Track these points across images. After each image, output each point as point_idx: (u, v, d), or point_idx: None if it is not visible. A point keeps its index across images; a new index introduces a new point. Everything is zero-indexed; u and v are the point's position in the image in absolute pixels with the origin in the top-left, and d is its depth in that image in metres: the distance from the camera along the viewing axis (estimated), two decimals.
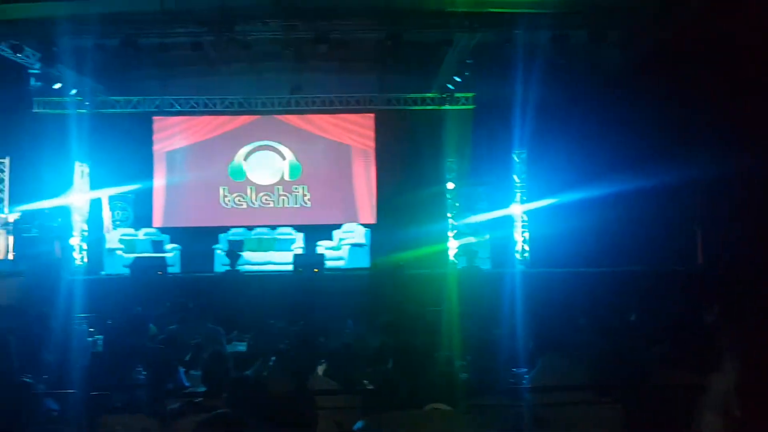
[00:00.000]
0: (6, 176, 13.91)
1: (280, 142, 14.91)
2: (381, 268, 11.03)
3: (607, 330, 5.17)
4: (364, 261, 12.80)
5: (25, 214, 12.84)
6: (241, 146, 14.93)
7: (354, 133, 15.01)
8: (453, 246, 13.43)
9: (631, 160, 11.60)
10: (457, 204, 13.88)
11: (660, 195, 11.41)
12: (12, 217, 12.61)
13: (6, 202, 13.68)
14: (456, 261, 13.09)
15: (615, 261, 11.38)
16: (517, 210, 13.39)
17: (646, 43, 11.38)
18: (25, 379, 4.23)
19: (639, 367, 4.29)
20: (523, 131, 11.88)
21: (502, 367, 4.42)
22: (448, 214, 13.84)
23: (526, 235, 13.33)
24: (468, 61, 12.25)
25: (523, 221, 13.35)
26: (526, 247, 13.27)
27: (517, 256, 13.21)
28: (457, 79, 12.95)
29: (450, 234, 13.59)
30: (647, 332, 5.35)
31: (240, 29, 11.35)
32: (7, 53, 12.11)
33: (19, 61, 12.40)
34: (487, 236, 13.12)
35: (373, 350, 5.42)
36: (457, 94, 13.82)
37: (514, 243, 13.26)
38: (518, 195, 13.44)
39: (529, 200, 13.31)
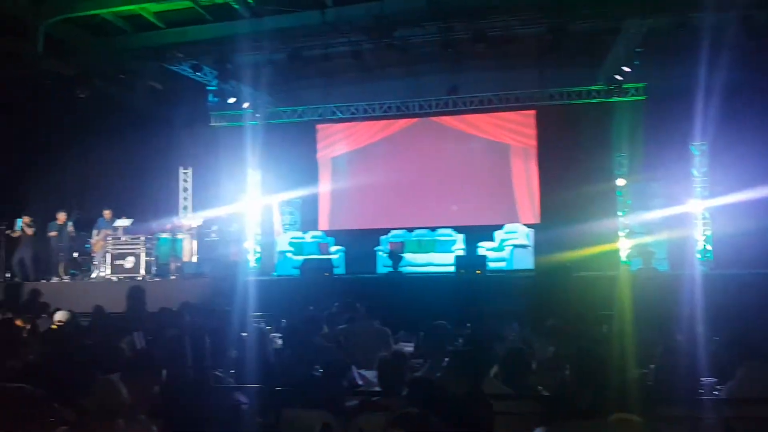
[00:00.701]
0: (189, 185, 15.31)
1: (438, 144, 15.07)
2: (546, 270, 10.73)
3: None
4: (527, 262, 12.54)
5: (206, 220, 14.03)
6: (400, 149, 15.26)
7: (513, 131, 14.80)
8: (625, 246, 12.76)
9: None
10: (629, 201, 13.18)
11: None
12: (195, 223, 13.81)
13: (190, 209, 15.06)
14: (629, 262, 12.41)
15: None
16: (696, 207, 12.44)
17: None
18: (217, 372, 4.64)
19: None
20: (705, 121, 10.95)
21: (688, 376, 4.14)
22: (619, 213, 13.18)
23: (708, 233, 12.34)
24: (638, 50, 11.60)
25: (703, 219, 12.38)
26: (709, 247, 12.29)
27: (698, 256, 12.26)
28: (626, 69, 12.29)
29: (621, 233, 12.93)
30: None
31: (398, 34, 11.63)
32: (188, 72, 13.32)
33: (198, 79, 13.60)
34: (664, 235, 12.28)
35: (545, 355, 5.30)
36: (626, 85, 13.10)
37: (695, 242, 12.31)
38: (698, 190, 12.48)
39: (711, 196, 12.31)
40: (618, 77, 12.71)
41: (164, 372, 3.99)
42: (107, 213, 13.08)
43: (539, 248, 12.78)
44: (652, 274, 10.91)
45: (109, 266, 12.44)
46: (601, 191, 13.13)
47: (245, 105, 14.67)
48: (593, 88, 13.66)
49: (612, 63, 12.69)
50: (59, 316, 7.56)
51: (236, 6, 11.65)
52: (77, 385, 3.80)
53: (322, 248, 13.93)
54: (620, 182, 13.28)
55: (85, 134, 14.44)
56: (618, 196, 13.29)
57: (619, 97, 13.33)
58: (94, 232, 13.01)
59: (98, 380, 3.39)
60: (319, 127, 15.79)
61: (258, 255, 14.71)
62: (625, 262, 12.51)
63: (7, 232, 12.57)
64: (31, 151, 14.18)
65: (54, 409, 3.56)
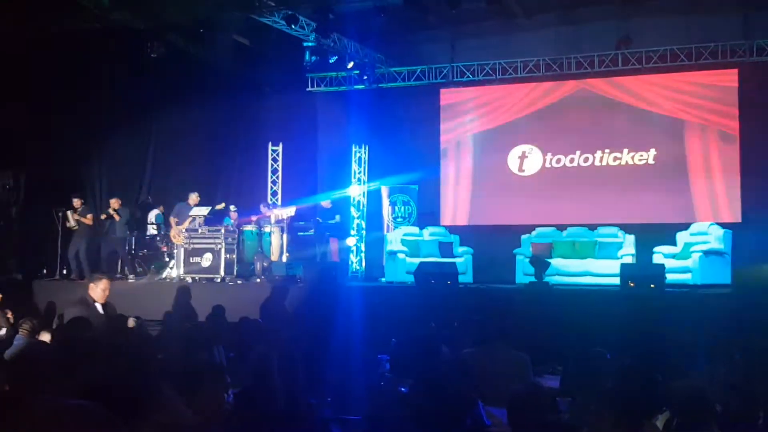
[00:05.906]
0: (280, 166, 15.84)
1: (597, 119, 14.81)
2: (749, 285, 10.32)
3: None
4: (722, 275, 12.10)
5: (300, 210, 14.41)
6: (551, 126, 15.08)
7: (688, 104, 14.26)
8: None
9: None
10: None
11: None
12: (287, 213, 14.19)
13: (280, 196, 15.57)
14: None
15: None
16: None
17: None
18: (310, 400, 4.87)
19: None
20: None
21: None
22: None
23: None
24: None
25: None
26: None
27: None
28: None
29: None
30: None
31: None
32: (281, 25, 13.74)
33: (293, 33, 14.02)
34: None
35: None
36: None
37: None
38: None
39: None
40: None
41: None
42: (194, 197, 13.52)
43: (739, 255, 12.31)
44: None
45: (183, 264, 13.09)
46: None
47: (350, 65, 15.00)
48: None
49: None
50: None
51: None
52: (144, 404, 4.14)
53: (444, 249, 14.05)
54: None
55: (155, 102, 15.24)
56: None
57: None
58: (173, 219, 13.52)
59: (162, 398, 3.66)
60: (443, 92, 15.87)
61: (362, 255, 15.01)
62: None
63: (67, 223, 13.40)
64: (94, 121, 15.13)
65: (117, 430, 3.89)
